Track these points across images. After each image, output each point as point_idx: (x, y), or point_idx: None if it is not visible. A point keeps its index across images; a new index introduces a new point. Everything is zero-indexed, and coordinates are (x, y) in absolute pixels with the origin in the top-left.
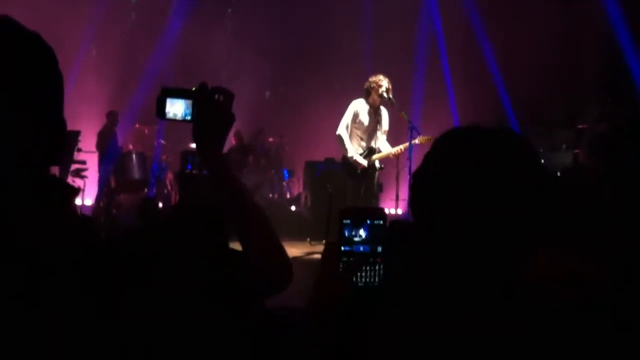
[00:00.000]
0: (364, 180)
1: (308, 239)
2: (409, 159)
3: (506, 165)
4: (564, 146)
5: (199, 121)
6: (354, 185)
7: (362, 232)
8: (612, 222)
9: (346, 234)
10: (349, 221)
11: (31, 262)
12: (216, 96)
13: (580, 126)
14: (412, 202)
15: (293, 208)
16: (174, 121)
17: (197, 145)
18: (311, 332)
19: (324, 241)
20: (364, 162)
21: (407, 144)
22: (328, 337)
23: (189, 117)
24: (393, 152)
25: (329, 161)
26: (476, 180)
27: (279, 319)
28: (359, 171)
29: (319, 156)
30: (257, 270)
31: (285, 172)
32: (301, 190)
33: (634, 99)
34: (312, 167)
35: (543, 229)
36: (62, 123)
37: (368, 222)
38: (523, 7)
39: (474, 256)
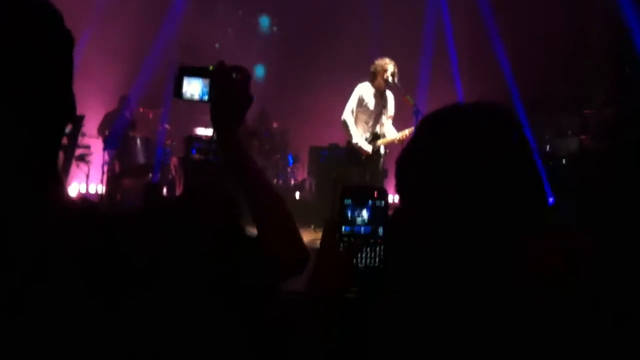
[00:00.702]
0: (369, 167)
1: (312, 226)
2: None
3: (487, 140)
4: (569, 132)
5: (217, 101)
6: (359, 171)
7: (363, 213)
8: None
9: (347, 214)
10: (350, 201)
11: (23, 264)
12: (234, 75)
13: (587, 111)
14: (398, 188)
15: (297, 194)
16: (191, 102)
17: (214, 126)
18: (311, 319)
19: (312, 226)
20: (369, 149)
21: (412, 128)
22: (329, 324)
23: (206, 97)
24: (398, 138)
25: (333, 147)
26: (458, 161)
27: (292, 304)
28: (363, 157)
29: (324, 142)
30: (272, 255)
31: (290, 157)
32: (305, 176)
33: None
34: (316, 153)
35: (531, 208)
36: (72, 102)
37: (370, 202)
38: None
39: (464, 239)
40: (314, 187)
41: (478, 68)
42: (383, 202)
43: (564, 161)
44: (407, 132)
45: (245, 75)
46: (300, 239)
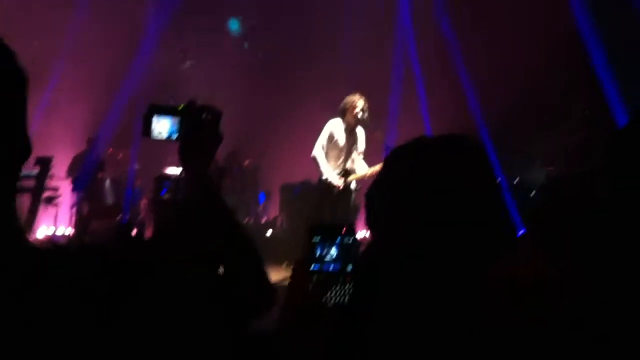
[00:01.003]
0: (340, 202)
1: (285, 263)
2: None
3: (453, 171)
4: (538, 163)
5: (185, 140)
6: (330, 207)
7: (332, 250)
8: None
9: (316, 252)
10: (318, 239)
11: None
12: (204, 115)
13: (555, 142)
14: (368, 220)
15: (269, 232)
16: (159, 141)
17: (182, 164)
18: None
19: (285, 263)
20: (340, 183)
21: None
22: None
23: (174, 136)
24: (369, 173)
25: (306, 183)
26: (423, 192)
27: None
28: (335, 192)
29: (295, 178)
30: (239, 294)
31: (261, 194)
32: (278, 213)
33: (607, 106)
34: (288, 190)
35: (498, 231)
36: (26, 139)
37: (338, 239)
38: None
39: (431, 270)
40: (286, 224)
41: (446, 103)
42: (352, 238)
43: (532, 193)
44: (377, 167)
45: (216, 114)
46: (267, 279)
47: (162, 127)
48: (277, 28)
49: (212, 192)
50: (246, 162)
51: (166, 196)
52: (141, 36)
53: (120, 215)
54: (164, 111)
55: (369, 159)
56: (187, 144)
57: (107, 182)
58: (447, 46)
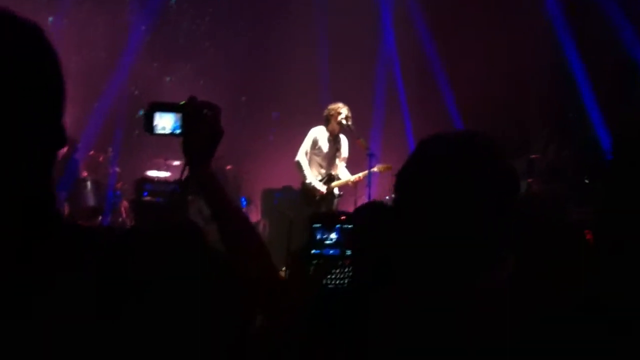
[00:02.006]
0: (322, 208)
1: None
2: (368, 186)
3: (477, 167)
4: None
5: (189, 135)
6: (313, 211)
7: (332, 235)
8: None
9: (317, 237)
10: (319, 225)
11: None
12: (204, 111)
13: (533, 156)
14: (396, 201)
15: None
16: (162, 136)
17: (187, 159)
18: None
19: (283, 268)
20: (323, 189)
21: (366, 172)
22: (295, 337)
23: (178, 131)
24: (352, 180)
25: (287, 189)
26: (451, 182)
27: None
28: (317, 198)
29: (277, 184)
30: (246, 278)
31: (243, 200)
32: (259, 218)
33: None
34: (269, 195)
35: (511, 231)
36: (62, 130)
37: (338, 226)
38: (473, 41)
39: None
40: (267, 228)
41: (427, 114)
42: (350, 225)
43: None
44: (360, 175)
45: (216, 110)
46: (272, 263)
47: (165, 122)
48: (258, 41)
49: (216, 183)
50: (228, 167)
51: (147, 198)
52: (124, 39)
53: (101, 217)
54: (166, 108)
55: (353, 166)
56: (190, 139)
57: (89, 184)
58: (428, 61)
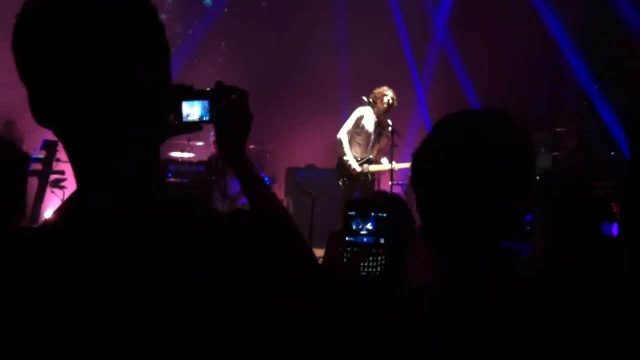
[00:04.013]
0: (357, 187)
1: None
2: (391, 163)
3: (497, 144)
4: (542, 149)
5: (220, 121)
6: (346, 188)
7: (366, 224)
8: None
9: (352, 225)
10: (354, 212)
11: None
12: (232, 96)
13: (559, 129)
14: (413, 180)
15: None
16: (192, 124)
17: (220, 145)
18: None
19: None
20: (358, 168)
21: (408, 164)
22: (332, 320)
23: (206, 118)
24: (389, 168)
25: (310, 167)
26: (468, 162)
27: None
28: (348, 177)
29: (300, 163)
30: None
31: (266, 179)
32: (283, 196)
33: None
34: (293, 174)
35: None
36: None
37: (372, 214)
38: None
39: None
40: (291, 207)
41: (445, 96)
42: (385, 214)
43: (537, 178)
44: (402, 165)
45: (243, 94)
46: (308, 246)
47: (193, 110)
48: (282, 29)
49: (251, 166)
50: (251, 147)
51: (172, 179)
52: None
53: None
54: (193, 95)
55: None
56: (222, 125)
57: None
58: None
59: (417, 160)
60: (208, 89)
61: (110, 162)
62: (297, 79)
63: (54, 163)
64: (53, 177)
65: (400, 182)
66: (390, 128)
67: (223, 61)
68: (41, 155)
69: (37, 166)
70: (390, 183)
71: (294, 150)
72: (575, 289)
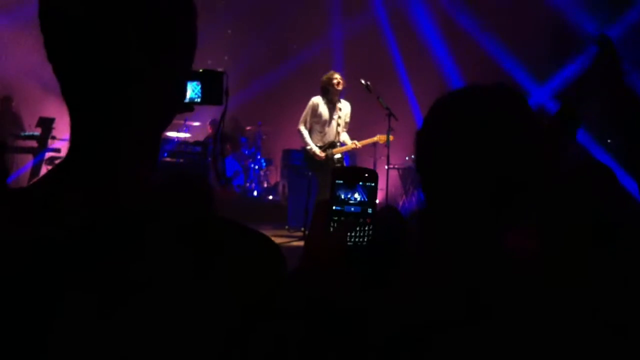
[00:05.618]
0: (324, 173)
1: (286, 227)
2: (387, 146)
3: (501, 121)
4: None
5: (208, 101)
6: (316, 174)
7: (354, 193)
8: None
9: (338, 195)
10: (341, 181)
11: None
12: (222, 77)
13: None
14: (417, 160)
15: (270, 197)
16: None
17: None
18: (301, 290)
19: (302, 229)
20: (322, 154)
21: (372, 138)
22: (318, 293)
23: (198, 99)
24: (353, 146)
25: (306, 150)
26: (471, 138)
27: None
28: (317, 166)
29: (296, 145)
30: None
31: (262, 160)
32: (279, 178)
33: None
34: (289, 156)
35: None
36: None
37: (360, 183)
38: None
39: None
40: (287, 189)
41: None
42: (373, 183)
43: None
44: (366, 141)
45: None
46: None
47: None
48: (281, 15)
49: None
50: (248, 128)
51: (167, 159)
52: None
53: None
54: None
55: (373, 126)
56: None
57: None
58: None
59: (421, 140)
60: (200, 70)
61: (113, 145)
62: (295, 61)
63: (50, 140)
64: (49, 154)
65: (396, 166)
66: (387, 111)
67: (225, 42)
68: (37, 132)
69: (32, 143)
70: (386, 167)
71: (290, 132)
72: (575, 289)
